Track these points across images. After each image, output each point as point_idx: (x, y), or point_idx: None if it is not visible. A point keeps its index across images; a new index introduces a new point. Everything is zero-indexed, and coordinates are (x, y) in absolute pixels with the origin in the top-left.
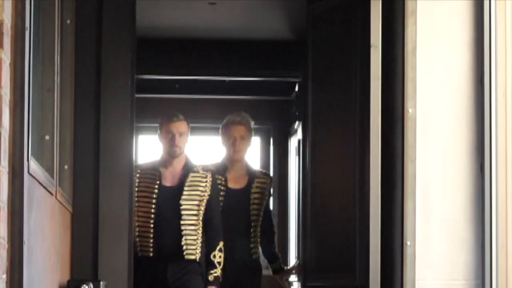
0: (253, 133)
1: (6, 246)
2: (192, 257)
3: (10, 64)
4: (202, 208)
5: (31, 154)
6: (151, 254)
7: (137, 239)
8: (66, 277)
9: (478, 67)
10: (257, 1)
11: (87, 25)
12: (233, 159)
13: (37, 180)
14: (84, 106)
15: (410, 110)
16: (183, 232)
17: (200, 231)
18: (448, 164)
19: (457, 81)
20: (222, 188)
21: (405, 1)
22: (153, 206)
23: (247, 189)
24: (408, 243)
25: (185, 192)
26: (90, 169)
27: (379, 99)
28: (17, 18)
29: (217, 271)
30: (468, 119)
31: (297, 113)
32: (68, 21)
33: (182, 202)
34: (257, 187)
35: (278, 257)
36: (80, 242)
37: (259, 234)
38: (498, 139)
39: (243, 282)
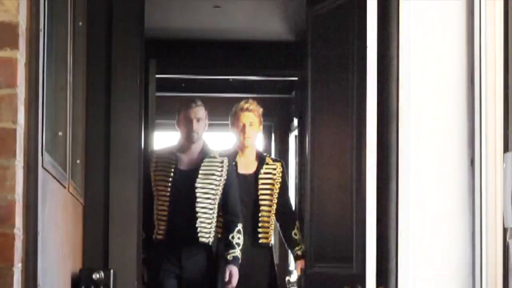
0: (262, 119)
1: (21, 237)
2: (205, 240)
3: (25, 64)
4: (218, 193)
5: (45, 149)
6: (165, 237)
7: (156, 223)
8: (78, 266)
9: (469, 66)
10: (259, 5)
11: (98, 27)
12: (243, 146)
13: (51, 174)
14: (95, 103)
15: (404, 108)
16: (198, 215)
17: (214, 216)
18: (440, 159)
19: (449, 79)
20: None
21: (400, 4)
22: (168, 189)
23: (255, 175)
24: (403, 234)
25: (200, 176)
26: (101, 163)
27: (374, 96)
28: (32, 20)
29: (236, 252)
30: (459, 116)
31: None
32: (80, 23)
33: (197, 185)
34: (266, 172)
35: (296, 244)
36: (91, 232)
37: (271, 219)
38: (488, 135)
39: (251, 265)
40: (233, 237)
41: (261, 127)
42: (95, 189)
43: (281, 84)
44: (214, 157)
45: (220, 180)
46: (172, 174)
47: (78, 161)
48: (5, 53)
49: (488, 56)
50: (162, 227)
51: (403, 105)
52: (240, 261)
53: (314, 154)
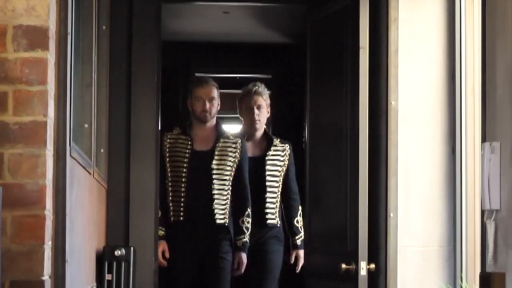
0: (269, 102)
1: (51, 218)
2: (222, 221)
3: (54, 63)
4: (232, 174)
5: (72, 140)
6: (181, 218)
7: (170, 204)
8: (102, 243)
9: (451, 66)
10: (263, 11)
11: (119, 30)
12: (251, 129)
13: (78, 162)
14: (117, 98)
15: (393, 103)
16: (214, 196)
17: (229, 197)
18: (425, 148)
19: (433, 77)
20: None
21: (389, 10)
22: (185, 170)
23: (262, 157)
24: (391, 214)
25: (216, 157)
26: (122, 152)
27: (366, 93)
28: (61, 24)
29: (245, 237)
30: (442, 110)
31: None
32: (104, 27)
33: (213, 166)
34: (273, 154)
35: (296, 233)
36: (114, 213)
37: (278, 202)
38: (467, 127)
39: (260, 246)
40: (243, 222)
41: (269, 109)
42: (117, 175)
43: (281, 83)
44: (229, 138)
45: (234, 161)
46: (187, 155)
47: (102, 150)
48: (37, 54)
49: (467, 56)
50: (178, 208)
51: (392, 100)
52: (248, 245)
53: (312, 147)
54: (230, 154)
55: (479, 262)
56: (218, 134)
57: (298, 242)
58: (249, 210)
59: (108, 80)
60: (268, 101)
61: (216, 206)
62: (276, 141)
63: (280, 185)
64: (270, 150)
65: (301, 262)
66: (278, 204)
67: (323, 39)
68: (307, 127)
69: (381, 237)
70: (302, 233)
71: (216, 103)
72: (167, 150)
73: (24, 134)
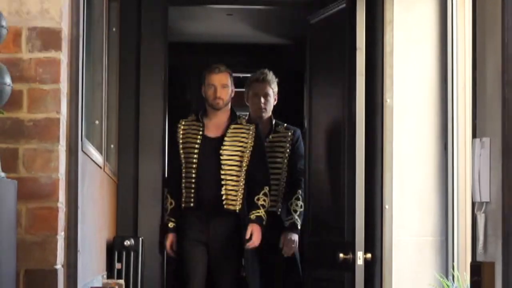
0: (276, 90)
1: (64, 210)
2: (232, 208)
3: (67, 63)
4: (246, 160)
5: (84, 136)
6: (192, 205)
7: (183, 191)
8: (112, 234)
9: (443, 66)
10: (265, 13)
11: (129, 32)
12: (257, 116)
13: (89, 157)
14: (126, 96)
15: (388, 100)
16: (223, 182)
17: (242, 184)
18: (419, 144)
19: (426, 77)
20: None
21: (384, 13)
22: (195, 156)
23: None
24: (387, 207)
25: (225, 143)
26: (131, 148)
27: (363, 91)
28: (73, 27)
29: (260, 212)
30: (434, 108)
31: None
32: (114, 29)
33: (222, 152)
34: (271, 141)
35: (291, 214)
36: (123, 206)
37: (280, 187)
38: (459, 124)
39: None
40: (258, 199)
41: (276, 97)
42: (126, 169)
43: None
44: (241, 124)
45: (247, 147)
46: (199, 141)
47: (112, 146)
48: (50, 54)
49: (458, 57)
50: (189, 195)
51: (387, 98)
52: (264, 221)
53: (312, 143)
54: (243, 140)
55: (470, 252)
56: (232, 120)
57: (289, 222)
58: (265, 190)
59: (118, 79)
60: (276, 89)
61: (225, 192)
62: (281, 128)
63: (284, 172)
64: (268, 137)
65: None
66: (281, 191)
67: (322, 40)
68: (307, 124)
69: (377, 228)
70: (295, 215)
71: (230, 90)
72: (181, 136)
73: (38, 130)
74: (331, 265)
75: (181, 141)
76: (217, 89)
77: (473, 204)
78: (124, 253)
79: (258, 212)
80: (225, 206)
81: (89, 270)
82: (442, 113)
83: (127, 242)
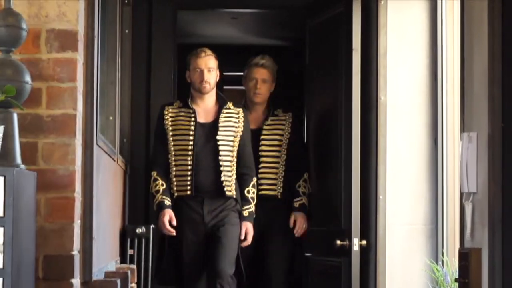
0: (275, 77)
1: (80, 199)
2: (230, 193)
3: (82, 63)
4: (236, 145)
5: (99, 130)
6: (188, 193)
7: (174, 179)
8: (124, 222)
9: (433, 66)
10: (267, 17)
11: (140, 34)
12: (253, 101)
13: (103, 150)
14: (138, 94)
15: (382, 98)
16: (221, 168)
17: (234, 168)
18: (411, 138)
19: (417, 76)
20: None
21: (379, 16)
22: (190, 143)
23: (260, 129)
24: (381, 197)
25: (221, 128)
26: (143, 141)
27: (358, 90)
28: (88, 28)
29: (251, 207)
30: (425, 105)
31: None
32: (127, 31)
33: (219, 137)
34: (268, 126)
35: (300, 196)
36: (135, 196)
37: (279, 172)
38: (448, 119)
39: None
40: (248, 192)
41: (274, 84)
42: (138, 162)
43: (285, 81)
44: (230, 108)
45: (237, 131)
46: (193, 128)
47: (124, 140)
48: (67, 55)
49: (448, 57)
50: (185, 183)
51: (381, 96)
52: (254, 216)
53: (310, 132)
54: (234, 124)
55: (458, 238)
56: (220, 104)
57: (297, 204)
58: (254, 180)
59: (130, 77)
60: (274, 76)
61: (224, 178)
62: (278, 111)
63: (283, 155)
64: (264, 124)
65: (298, 224)
66: (280, 175)
67: (320, 42)
68: (306, 121)
69: (372, 216)
70: (303, 197)
71: (215, 73)
72: (170, 124)
73: (56, 125)
74: (329, 251)
75: (170, 128)
76: (204, 72)
77: (461, 194)
78: (136, 240)
79: (250, 208)
80: (226, 193)
81: (103, 256)
82: (433, 109)
83: (138, 230)
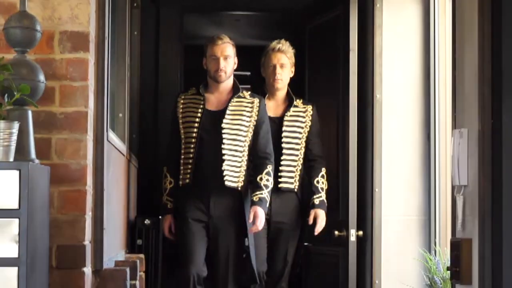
0: (294, 60)
1: (91, 192)
2: (233, 184)
3: (94, 63)
4: (249, 135)
5: (109, 127)
6: (187, 181)
7: (182, 167)
8: (134, 214)
9: (426, 65)
10: (268, 19)
11: (148, 35)
12: (273, 88)
13: (114, 146)
14: (146, 92)
15: (378, 96)
16: (224, 157)
17: (245, 159)
18: (405, 134)
19: (411, 75)
20: None
21: (374, 18)
22: (195, 130)
23: (281, 118)
24: (376, 189)
25: (227, 116)
26: (151, 137)
27: (355, 88)
28: (99, 30)
29: (263, 193)
30: (419, 102)
31: None
32: (135, 32)
33: (223, 126)
34: (291, 115)
35: (314, 192)
36: (144, 189)
37: (298, 164)
38: (440, 116)
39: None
40: (261, 179)
41: (293, 69)
42: (147, 157)
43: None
44: (244, 97)
45: (250, 121)
46: (199, 115)
47: (134, 136)
48: (79, 55)
49: (440, 57)
50: (186, 171)
51: (377, 94)
52: (267, 203)
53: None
54: (245, 113)
55: (450, 229)
56: (234, 93)
57: (316, 201)
58: (269, 169)
59: (139, 77)
60: (293, 60)
61: (226, 167)
62: (298, 102)
63: (302, 148)
64: (289, 111)
65: (320, 222)
66: (298, 168)
67: (319, 43)
68: None
69: (368, 208)
70: (321, 194)
71: (232, 62)
72: (181, 111)
73: (68, 122)
74: (327, 241)
75: (180, 115)
76: (220, 60)
77: (452, 187)
78: (144, 231)
79: (261, 194)
80: (226, 183)
81: (113, 246)
82: (426, 106)
83: (147, 221)
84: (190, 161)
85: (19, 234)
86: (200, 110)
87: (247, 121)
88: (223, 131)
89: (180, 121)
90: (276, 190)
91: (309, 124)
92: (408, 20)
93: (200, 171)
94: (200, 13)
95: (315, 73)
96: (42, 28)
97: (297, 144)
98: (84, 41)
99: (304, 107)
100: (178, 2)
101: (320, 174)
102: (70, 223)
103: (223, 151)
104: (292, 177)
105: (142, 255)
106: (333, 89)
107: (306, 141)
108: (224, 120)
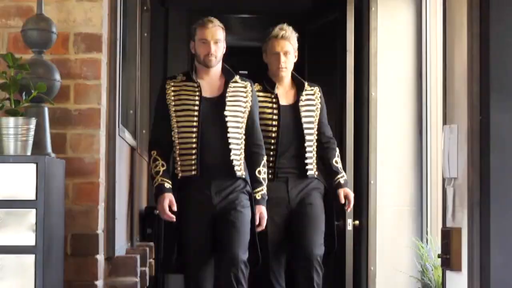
0: (297, 46)
1: (104, 184)
2: (239, 173)
3: (106, 63)
4: (244, 121)
5: (121, 123)
6: (193, 173)
7: (178, 159)
8: (144, 204)
9: (418, 65)
10: (270, 22)
11: (158, 36)
12: (278, 75)
13: (125, 141)
14: (156, 90)
15: (373, 94)
16: (231, 146)
17: (243, 147)
18: (398, 129)
19: (404, 74)
20: (275, 106)
21: (370, 21)
22: (195, 119)
23: (296, 104)
24: (372, 181)
25: (228, 103)
26: None
27: (352, 86)
28: (111, 32)
29: (264, 189)
30: (411, 100)
31: None
32: (145, 34)
33: (227, 113)
34: (306, 99)
35: (337, 172)
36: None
37: (314, 148)
38: (432, 113)
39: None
40: (259, 172)
41: (297, 53)
42: None
43: None
44: (237, 82)
45: (246, 107)
46: (198, 103)
47: (144, 131)
48: (93, 55)
49: (432, 57)
50: (189, 162)
51: (372, 92)
52: (267, 198)
53: None
54: (241, 99)
55: (441, 219)
56: (226, 78)
57: (342, 180)
58: (264, 160)
59: (149, 75)
60: (296, 45)
61: (233, 157)
62: (306, 86)
63: (315, 131)
64: (302, 95)
65: (351, 200)
66: (314, 153)
67: (317, 44)
68: None
69: (364, 199)
70: (343, 173)
71: (222, 46)
72: (172, 98)
73: (82, 118)
74: (326, 231)
75: (173, 103)
76: (211, 44)
77: (443, 179)
78: (154, 220)
79: (262, 190)
80: (236, 173)
81: (124, 235)
82: (418, 103)
83: (156, 211)
84: (193, 151)
85: (36, 223)
86: (197, 97)
87: (244, 107)
88: (227, 119)
89: (173, 108)
90: (305, 177)
91: (319, 106)
92: (402, 23)
93: (204, 161)
94: (207, 16)
95: (314, 73)
96: (57, 30)
97: (312, 128)
98: (97, 42)
99: (312, 89)
100: (186, 6)
101: (336, 154)
102: (84, 213)
103: (229, 140)
104: (312, 163)
105: (151, 243)
106: (331, 88)
107: (318, 124)
108: (226, 107)
